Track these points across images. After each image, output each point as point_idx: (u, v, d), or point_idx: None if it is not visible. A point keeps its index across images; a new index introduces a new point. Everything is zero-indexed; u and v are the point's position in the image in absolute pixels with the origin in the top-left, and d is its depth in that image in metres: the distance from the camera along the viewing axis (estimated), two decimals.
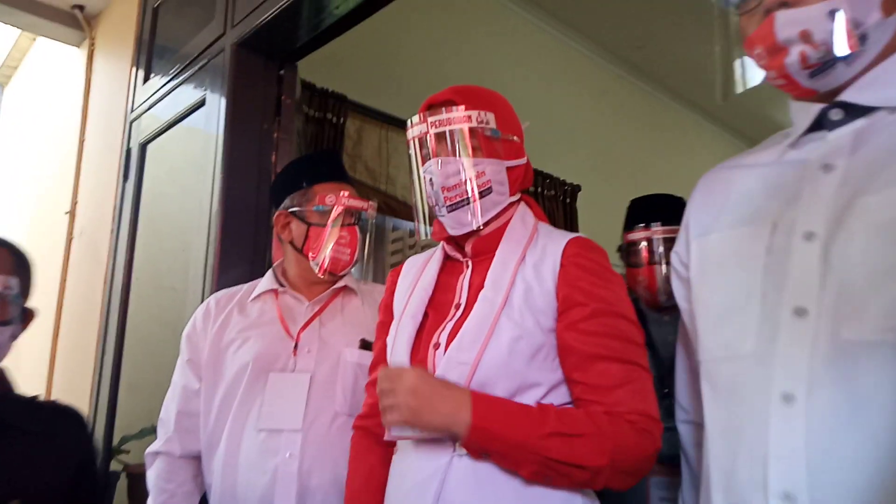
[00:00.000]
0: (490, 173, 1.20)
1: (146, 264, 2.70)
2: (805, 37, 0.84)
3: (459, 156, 1.19)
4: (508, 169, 1.23)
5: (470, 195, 1.19)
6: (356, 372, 1.58)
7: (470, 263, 1.25)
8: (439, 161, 1.20)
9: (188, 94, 2.57)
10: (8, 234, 1.37)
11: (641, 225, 1.94)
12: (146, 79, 2.96)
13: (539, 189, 4.25)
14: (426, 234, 1.28)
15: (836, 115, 0.89)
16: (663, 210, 1.94)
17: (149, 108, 2.85)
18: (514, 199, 1.27)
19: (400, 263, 1.41)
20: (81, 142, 3.52)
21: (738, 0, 0.93)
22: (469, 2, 4.11)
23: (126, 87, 3.11)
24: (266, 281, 1.72)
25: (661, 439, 1.07)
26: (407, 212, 3.52)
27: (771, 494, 0.79)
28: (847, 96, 0.88)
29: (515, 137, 1.26)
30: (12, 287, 1.29)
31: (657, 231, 1.91)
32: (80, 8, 3.63)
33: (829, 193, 0.85)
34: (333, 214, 1.64)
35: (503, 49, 4.20)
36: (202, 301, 1.83)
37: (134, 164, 2.87)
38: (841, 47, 0.83)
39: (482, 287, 1.18)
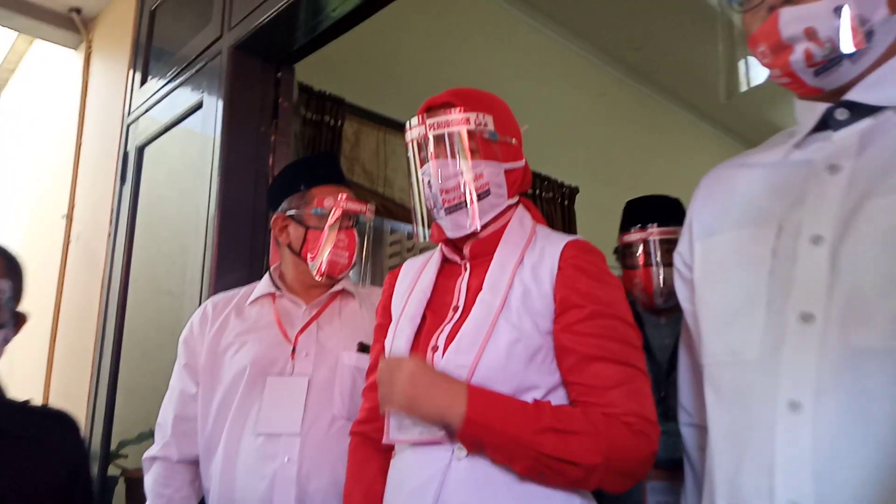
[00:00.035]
0: (488, 175, 1.20)
1: (143, 268, 2.69)
2: (810, 34, 0.82)
3: (457, 158, 1.19)
4: (507, 171, 1.23)
5: (468, 197, 1.19)
6: (354, 375, 1.57)
7: (468, 266, 1.25)
8: (437, 163, 1.20)
9: (185, 97, 2.57)
10: (4, 238, 1.37)
11: (637, 226, 1.93)
12: (143, 82, 2.95)
13: (537, 191, 4.25)
14: (424, 237, 1.28)
15: (841, 114, 0.88)
16: (659, 211, 1.93)
17: (146, 111, 2.84)
18: (513, 201, 1.27)
19: (398, 266, 1.41)
20: (78, 145, 3.51)
21: None
22: (467, 4, 4.11)
23: (123, 89, 3.10)
24: (263, 284, 1.71)
25: (657, 442, 1.07)
26: (405, 214, 3.52)
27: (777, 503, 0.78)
28: (853, 95, 0.86)
29: (514, 140, 1.26)
30: (4, 290, 1.28)
31: (653, 232, 1.90)
32: (77, 11, 3.63)
33: (835, 196, 0.84)
34: (331, 217, 1.63)
35: (501, 51, 4.20)
36: (199, 305, 1.83)
37: (131, 167, 2.86)
38: (847, 44, 0.81)
39: (480, 289, 1.17)
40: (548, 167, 4.28)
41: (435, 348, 1.15)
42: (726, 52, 0.99)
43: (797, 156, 0.92)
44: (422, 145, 1.23)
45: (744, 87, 0.99)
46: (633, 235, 1.93)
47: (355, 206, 1.66)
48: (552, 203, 4.36)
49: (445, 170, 1.19)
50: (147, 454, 1.63)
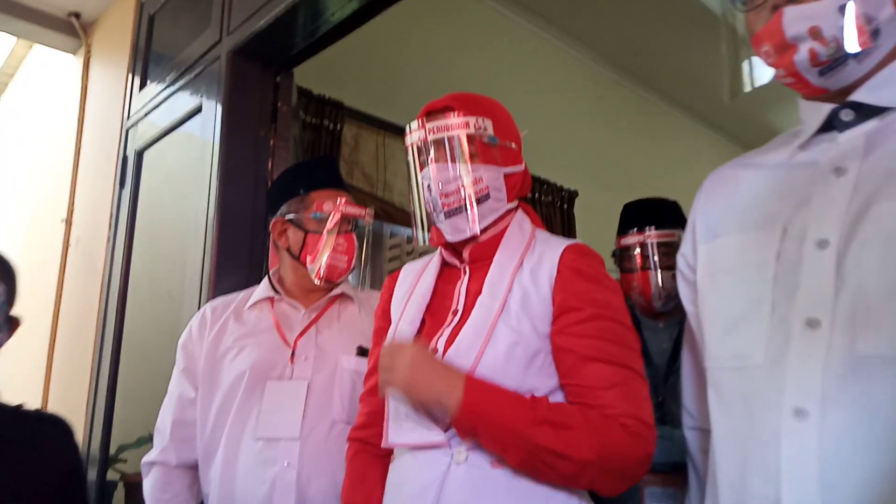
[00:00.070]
0: (487, 180, 1.20)
1: (143, 272, 2.69)
2: (814, 33, 0.81)
3: (457, 162, 1.19)
4: (506, 176, 1.24)
5: (467, 201, 1.19)
6: (353, 379, 1.57)
7: (467, 270, 1.25)
8: (437, 167, 1.20)
9: (184, 101, 2.57)
10: (3, 242, 1.37)
11: (635, 229, 1.92)
12: (142, 86, 2.95)
13: (536, 195, 4.26)
14: (424, 241, 1.28)
15: (847, 115, 0.86)
16: (657, 214, 1.92)
17: (145, 116, 2.84)
18: (512, 205, 1.27)
19: (397, 270, 1.41)
20: (78, 149, 3.51)
21: None
22: (465, 9, 4.12)
23: (122, 94, 3.11)
24: (262, 288, 1.71)
25: (654, 445, 1.06)
26: (404, 218, 3.52)
27: None
28: (859, 96, 0.85)
29: (513, 144, 1.26)
30: None
31: (651, 235, 1.89)
32: (77, 15, 3.63)
33: (841, 198, 0.82)
34: (330, 221, 1.64)
35: (500, 56, 4.20)
36: (199, 308, 1.83)
37: (130, 171, 2.86)
38: (852, 44, 0.80)
39: (479, 293, 1.18)
40: (547, 171, 4.29)
41: (434, 351, 1.15)
42: (729, 53, 0.98)
43: (802, 157, 0.91)
44: (421, 149, 1.23)
45: (747, 88, 0.97)
46: (631, 238, 1.92)
47: (354, 210, 1.66)
48: (551, 206, 4.37)
49: (445, 174, 1.19)
50: (146, 459, 1.62)
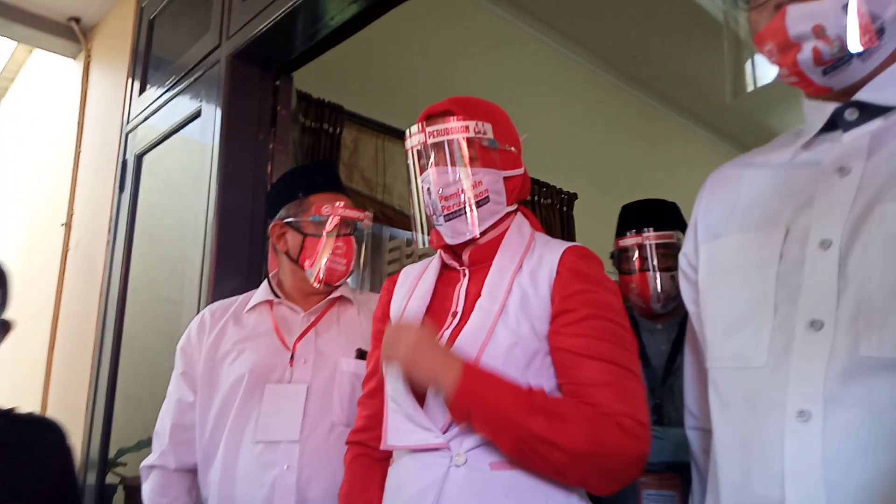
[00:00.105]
0: (487, 183, 1.21)
1: (142, 275, 2.70)
2: (818, 32, 0.80)
3: (457, 165, 1.20)
4: (506, 179, 1.24)
5: (467, 204, 1.19)
6: (353, 382, 1.58)
7: (467, 272, 1.26)
8: (437, 171, 1.21)
9: (184, 106, 2.57)
10: (3, 246, 1.37)
11: (633, 231, 1.92)
12: (142, 90, 2.96)
13: (536, 197, 4.26)
14: (424, 243, 1.28)
15: (851, 114, 0.85)
16: (655, 215, 1.92)
17: (145, 120, 2.85)
18: (512, 209, 1.27)
19: (396, 272, 1.41)
20: (77, 153, 3.52)
21: None
22: (465, 12, 4.13)
23: (122, 98, 3.11)
24: (261, 292, 1.71)
25: (648, 445, 1.05)
26: (404, 221, 3.52)
27: None
28: (863, 95, 0.84)
29: (513, 148, 1.27)
30: None
31: (649, 237, 1.88)
32: (77, 20, 3.64)
33: (845, 199, 0.81)
34: (329, 225, 1.64)
35: (499, 59, 4.21)
36: (198, 312, 1.83)
37: (130, 175, 2.86)
38: (856, 43, 0.78)
39: (479, 296, 1.18)
40: (546, 174, 4.29)
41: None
42: (732, 52, 0.96)
43: (805, 157, 0.90)
44: (421, 153, 1.24)
45: (750, 87, 0.96)
46: (629, 240, 1.92)
47: (353, 214, 1.66)
48: (551, 209, 4.37)
49: (445, 177, 1.20)
50: (144, 463, 1.62)
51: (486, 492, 1.06)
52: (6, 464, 1.24)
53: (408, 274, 1.37)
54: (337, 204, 1.65)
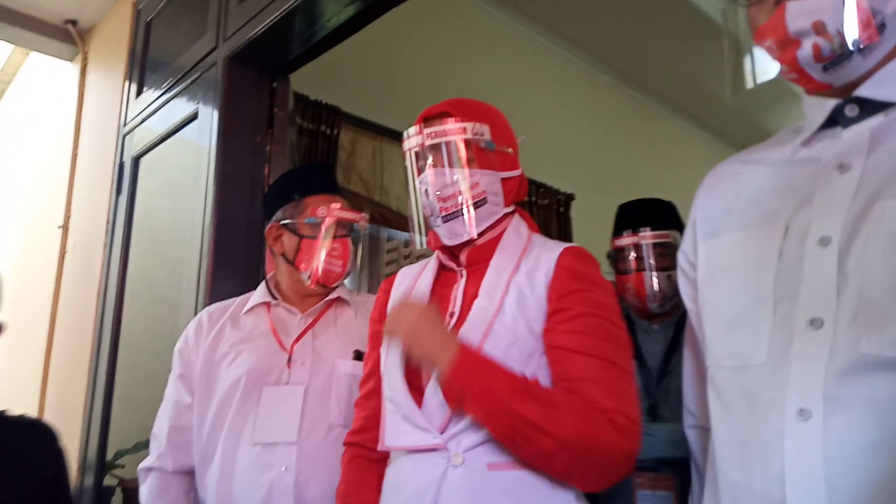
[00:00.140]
0: (484, 184, 1.21)
1: (140, 278, 2.69)
2: (818, 28, 0.79)
3: (454, 167, 1.21)
4: (503, 180, 1.25)
5: (464, 206, 1.20)
6: (350, 383, 1.58)
7: (464, 273, 1.26)
8: (435, 172, 1.21)
9: (181, 108, 2.57)
10: (0, 249, 1.37)
11: (629, 230, 1.90)
12: (139, 92, 2.96)
13: (533, 198, 4.27)
14: (422, 244, 1.29)
15: (851, 111, 0.84)
16: (652, 215, 1.91)
17: (142, 122, 2.85)
18: (509, 210, 1.28)
19: (394, 273, 1.42)
20: (74, 156, 3.52)
21: None
22: (462, 14, 4.13)
23: (119, 100, 3.11)
24: (259, 294, 1.72)
25: (639, 442, 1.05)
26: (401, 222, 3.53)
27: None
28: (863, 91, 0.83)
29: (510, 149, 1.28)
30: None
31: (646, 236, 1.87)
32: (73, 23, 3.64)
33: (844, 195, 0.81)
34: (325, 226, 1.64)
35: (497, 60, 4.21)
36: (195, 314, 1.83)
37: (127, 177, 2.86)
38: (857, 38, 0.78)
39: (476, 296, 1.19)
40: (544, 174, 4.30)
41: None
42: (731, 48, 0.96)
43: (805, 153, 0.89)
44: (419, 154, 1.25)
45: (750, 84, 0.96)
46: (626, 240, 1.90)
47: (349, 215, 1.66)
48: (548, 210, 4.37)
49: (442, 179, 1.21)
50: (142, 465, 1.62)
51: (484, 492, 1.06)
52: None
53: (405, 275, 1.37)
54: (333, 205, 1.65)
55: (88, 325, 2.93)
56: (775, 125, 5.11)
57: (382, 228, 3.65)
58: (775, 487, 0.77)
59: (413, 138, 1.24)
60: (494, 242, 1.25)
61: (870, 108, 0.83)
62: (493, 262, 1.22)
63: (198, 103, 2.45)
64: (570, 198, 4.54)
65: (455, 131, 1.21)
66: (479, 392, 1.04)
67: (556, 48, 4.67)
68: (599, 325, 1.11)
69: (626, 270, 1.90)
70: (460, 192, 1.20)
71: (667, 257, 1.85)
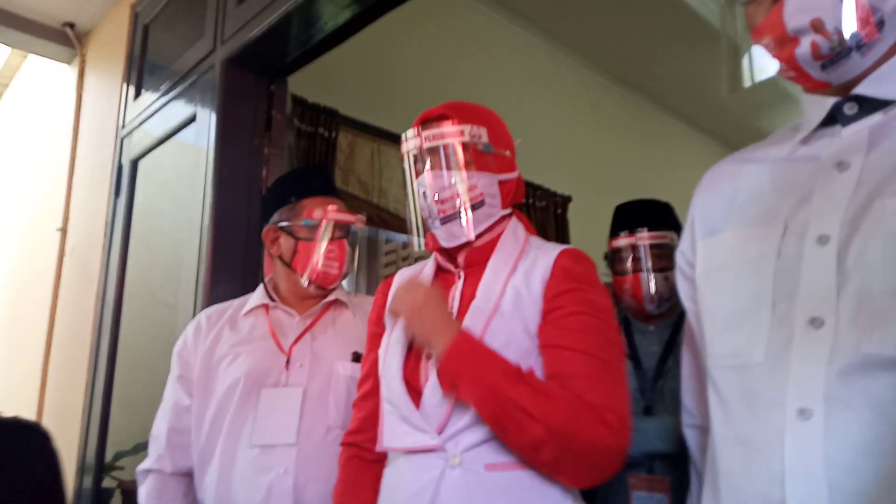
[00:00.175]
0: (482, 186, 1.22)
1: (138, 280, 2.70)
2: (816, 25, 0.78)
3: (452, 169, 1.22)
4: (500, 182, 1.26)
5: (462, 208, 1.21)
6: (349, 385, 1.58)
7: (462, 274, 1.27)
8: (433, 175, 1.22)
9: (179, 110, 2.58)
10: None
11: (626, 231, 1.90)
12: (137, 95, 2.96)
13: (530, 200, 4.27)
14: (420, 246, 1.30)
15: (850, 109, 0.84)
16: (649, 215, 1.90)
17: (140, 125, 2.85)
18: (506, 212, 1.28)
19: (393, 275, 1.42)
20: (73, 158, 3.52)
21: None
22: (460, 17, 4.14)
23: (117, 103, 3.11)
24: (257, 296, 1.72)
25: (628, 440, 1.04)
26: (399, 224, 3.53)
27: None
28: (862, 89, 0.82)
29: (507, 152, 1.28)
30: None
31: (643, 237, 1.86)
32: (71, 25, 3.64)
33: (843, 194, 0.80)
34: (321, 228, 1.64)
35: (494, 63, 4.23)
36: (193, 316, 1.83)
37: (125, 180, 2.87)
38: (856, 36, 0.77)
39: (473, 297, 1.19)
40: (541, 176, 4.31)
41: (429, 355, 1.17)
42: (729, 47, 0.95)
43: (803, 152, 0.89)
44: (417, 157, 1.25)
45: (748, 83, 0.95)
46: (623, 240, 1.89)
47: (345, 217, 1.66)
48: (545, 212, 4.38)
49: (440, 181, 1.21)
50: (141, 467, 1.62)
51: (482, 493, 1.07)
52: None
53: (403, 277, 1.38)
54: (329, 207, 1.65)
55: (87, 327, 2.93)
56: (770, 127, 5.11)
57: (381, 230, 3.66)
58: (775, 487, 0.77)
59: (411, 141, 1.25)
60: (492, 244, 1.25)
61: (869, 106, 0.83)
62: (490, 264, 1.22)
63: (196, 106, 2.46)
64: (567, 200, 4.55)
65: (453, 134, 1.22)
66: (473, 375, 1.05)
67: (554, 51, 4.69)
68: (592, 323, 1.12)
69: (623, 271, 1.89)
70: (458, 195, 1.21)
71: (664, 258, 1.83)
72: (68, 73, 3.82)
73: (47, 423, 1.40)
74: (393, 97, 3.60)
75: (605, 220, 2.03)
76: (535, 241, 1.28)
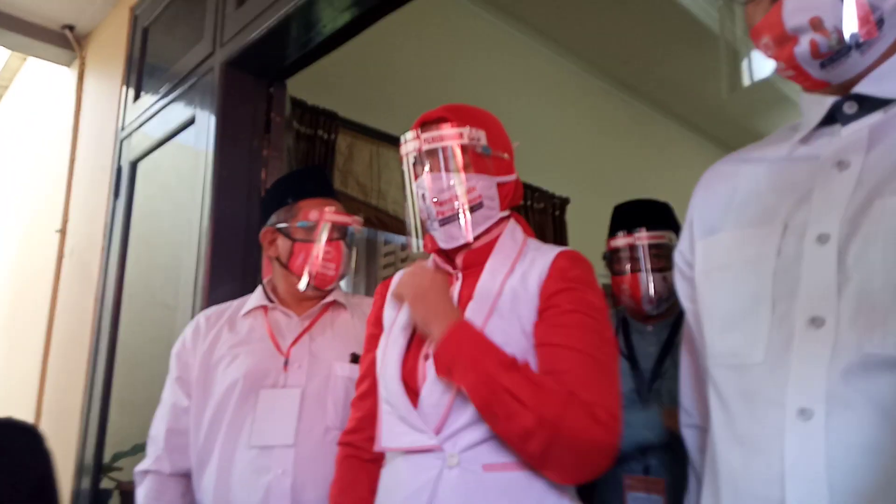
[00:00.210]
0: (480, 189, 1.23)
1: (137, 281, 2.70)
2: (815, 24, 0.78)
3: (451, 172, 1.22)
4: (499, 185, 1.26)
5: (461, 210, 1.21)
6: (347, 386, 1.58)
7: (460, 276, 1.27)
8: (431, 177, 1.23)
9: (178, 113, 2.58)
10: None
11: (624, 231, 1.89)
12: (136, 97, 2.97)
13: (528, 202, 4.28)
14: (418, 248, 1.30)
15: (850, 108, 0.83)
16: (648, 215, 1.90)
17: (139, 127, 2.86)
18: (504, 214, 1.29)
19: (391, 276, 1.43)
20: (72, 160, 3.52)
21: None
22: (459, 20, 4.15)
23: (116, 105, 3.12)
24: (256, 297, 1.72)
25: (618, 437, 1.04)
26: (398, 226, 3.54)
27: None
28: (862, 88, 0.82)
29: (506, 154, 1.29)
30: None
31: (641, 237, 1.86)
32: (71, 28, 3.64)
33: (843, 193, 0.79)
34: (317, 230, 1.65)
35: (493, 66, 4.24)
36: (192, 317, 1.83)
37: (124, 182, 2.87)
38: (855, 34, 0.77)
39: (471, 299, 1.20)
40: (539, 178, 4.32)
41: (427, 356, 1.17)
42: (727, 46, 0.95)
43: (803, 151, 0.88)
44: (416, 159, 1.26)
45: (747, 82, 0.94)
46: (621, 240, 1.89)
47: (341, 219, 1.67)
48: (543, 214, 4.39)
49: (439, 183, 1.22)
50: (139, 467, 1.62)
51: (479, 493, 1.07)
52: None
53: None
54: (326, 209, 1.66)
55: (86, 329, 2.93)
56: (768, 129, 5.12)
57: (379, 232, 3.67)
58: (775, 487, 0.76)
59: (410, 143, 1.26)
60: (490, 246, 1.26)
61: (868, 105, 0.83)
62: (488, 265, 1.23)
63: (195, 108, 2.46)
64: (565, 202, 4.56)
65: (452, 136, 1.22)
66: (468, 361, 1.06)
67: (551, 53, 4.70)
68: (587, 322, 1.12)
69: (621, 271, 1.89)
70: (456, 197, 1.21)
71: (662, 258, 1.83)
72: (68, 75, 3.82)
73: (46, 424, 1.40)
74: (392, 100, 3.61)
75: (603, 221, 2.03)
76: (533, 242, 1.29)
